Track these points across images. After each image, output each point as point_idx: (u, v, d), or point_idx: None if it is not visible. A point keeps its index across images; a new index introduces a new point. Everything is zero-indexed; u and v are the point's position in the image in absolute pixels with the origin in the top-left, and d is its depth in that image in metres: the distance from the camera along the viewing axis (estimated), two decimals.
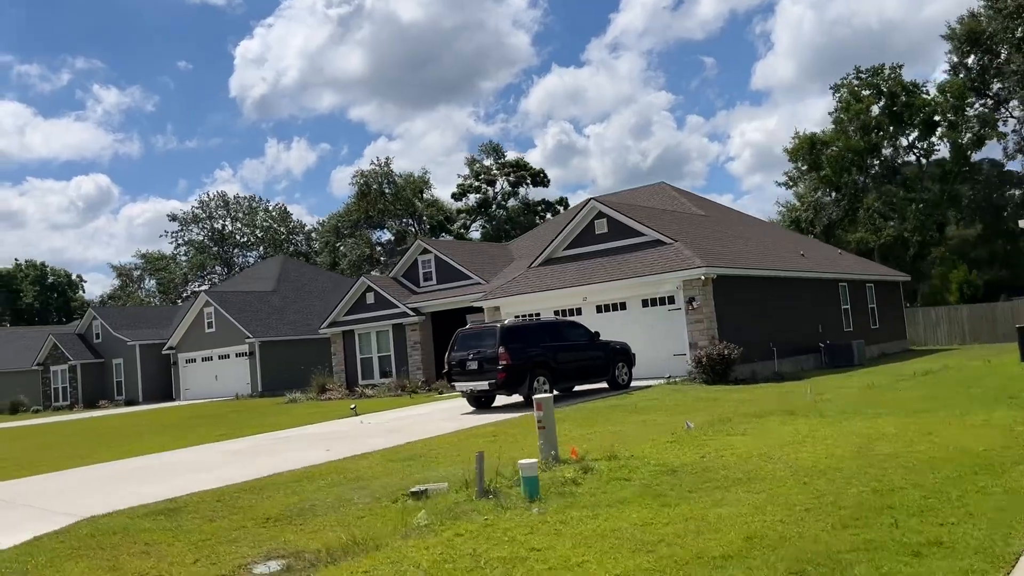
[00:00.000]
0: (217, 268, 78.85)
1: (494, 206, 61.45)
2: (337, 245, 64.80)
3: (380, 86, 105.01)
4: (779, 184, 53.10)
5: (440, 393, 23.52)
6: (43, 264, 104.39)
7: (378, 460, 10.88)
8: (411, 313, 27.54)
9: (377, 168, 61.07)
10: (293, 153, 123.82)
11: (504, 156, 63.60)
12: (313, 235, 77.90)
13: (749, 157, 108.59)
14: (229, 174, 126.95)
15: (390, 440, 12.93)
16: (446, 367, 16.30)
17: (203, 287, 79.78)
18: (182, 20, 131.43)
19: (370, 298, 29.09)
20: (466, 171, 63.10)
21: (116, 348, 41.55)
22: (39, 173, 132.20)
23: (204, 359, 38.93)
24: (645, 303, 20.35)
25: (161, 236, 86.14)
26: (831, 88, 48.14)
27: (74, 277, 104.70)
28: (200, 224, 79.30)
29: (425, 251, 29.36)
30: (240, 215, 78.95)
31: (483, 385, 15.43)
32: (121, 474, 12.07)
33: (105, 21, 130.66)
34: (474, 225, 62.02)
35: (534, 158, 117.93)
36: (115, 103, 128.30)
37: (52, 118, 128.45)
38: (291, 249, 75.64)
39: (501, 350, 15.22)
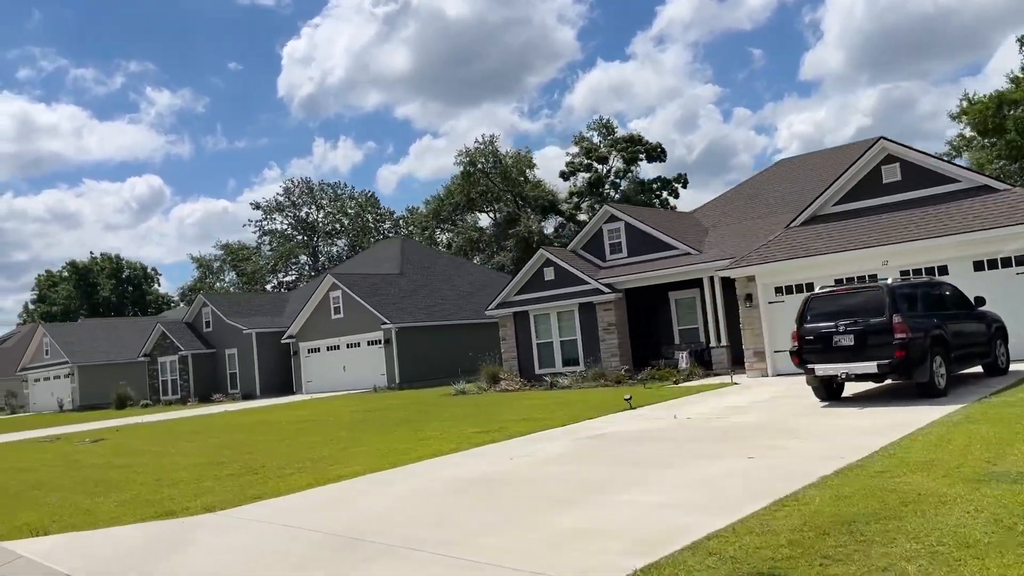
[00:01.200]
0: (302, 258, 76.27)
1: (607, 185, 57.22)
2: (437, 231, 61.36)
3: (424, 84, 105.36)
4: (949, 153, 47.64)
5: (666, 383, 19.50)
6: (118, 257, 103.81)
7: (941, 478, 6.84)
8: (604, 290, 23.56)
9: (481, 146, 57.35)
10: (340, 152, 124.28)
11: (614, 132, 59.36)
12: (401, 222, 74.75)
13: (797, 149, 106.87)
14: (277, 173, 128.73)
15: (813, 447, 8.94)
16: (794, 343, 12.21)
17: (287, 277, 77.53)
18: (232, 21, 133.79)
19: (548, 274, 25.21)
20: (574, 149, 59.02)
21: (229, 337, 38.60)
22: (95, 175, 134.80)
23: (330, 348, 35.64)
24: (978, 266, 15.99)
25: (245, 225, 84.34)
26: (1018, 40, 42.66)
27: (149, 270, 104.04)
28: (284, 212, 76.78)
29: (612, 218, 25.32)
30: (325, 202, 76.22)
31: (866, 367, 11.30)
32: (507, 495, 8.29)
33: (158, 24, 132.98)
34: (583, 206, 57.82)
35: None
36: (167, 105, 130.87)
37: (107, 120, 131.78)
38: (380, 237, 72.59)
39: (896, 319, 11.09)
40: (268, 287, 76.23)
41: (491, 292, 40.19)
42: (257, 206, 75.85)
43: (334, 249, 76.39)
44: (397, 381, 32.36)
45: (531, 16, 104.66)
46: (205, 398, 37.72)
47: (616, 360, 23.32)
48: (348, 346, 34.85)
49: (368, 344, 34.01)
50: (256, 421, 20.45)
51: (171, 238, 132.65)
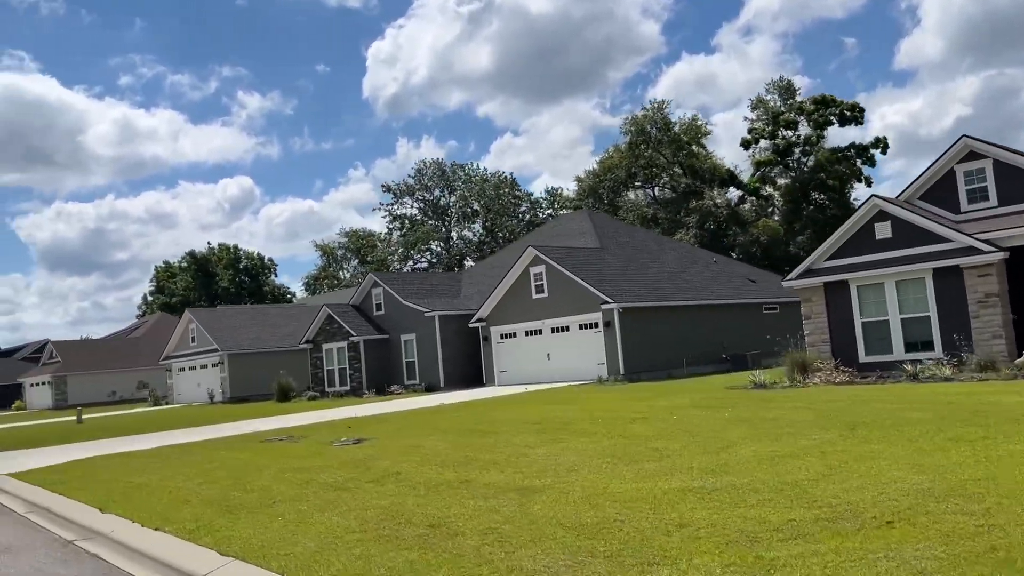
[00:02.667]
0: (432, 245, 72.40)
1: (797, 153, 50.68)
2: (596, 208, 56.03)
3: (506, 81, 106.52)
4: None
5: None
6: (236, 247, 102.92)
7: None
8: (983, 247, 17.62)
9: (650, 113, 51.75)
10: (422, 151, 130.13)
11: (796, 93, 52.68)
12: (542, 203, 69.87)
13: (891, 141, 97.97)
14: (362, 173, 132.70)
15: None
16: None
17: (419, 265, 73.83)
18: (321, 23, 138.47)
19: (882, 231, 19.40)
20: (752, 115, 52.74)
21: (405, 321, 34.28)
22: (189, 176, 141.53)
23: (530, 333, 30.76)
24: None
25: (375, 210, 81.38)
26: None
27: (266, 260, 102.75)
28: (414, 196, 73.11)
29: (972, 156, 19.32)
30: (458, 184, 72.12)
31: None
32: None
33: (250, 30, 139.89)
34: (771, 176, 51.40)
35: None
36: (257, 108, 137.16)
37: (201, 124, 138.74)
38: (518, 221, 68.01)
39: None
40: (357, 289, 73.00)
41: (698, 271, 34.62)
42: (388, 189, 72.50)
43: (467, 234, 72.33)
44: (622, 372, 27.18)
45: (614, 11, 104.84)
46: (380, 390, 33.47)
47: (1001, 344, 17.37)
48: (554, 330, 29.87)
49: (581, 328, 28.94)
50: (545, 418, 15.44)
51: (259, 237, 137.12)
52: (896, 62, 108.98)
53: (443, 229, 70.84)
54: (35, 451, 19.85)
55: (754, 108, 52.20)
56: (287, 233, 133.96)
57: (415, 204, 73.17)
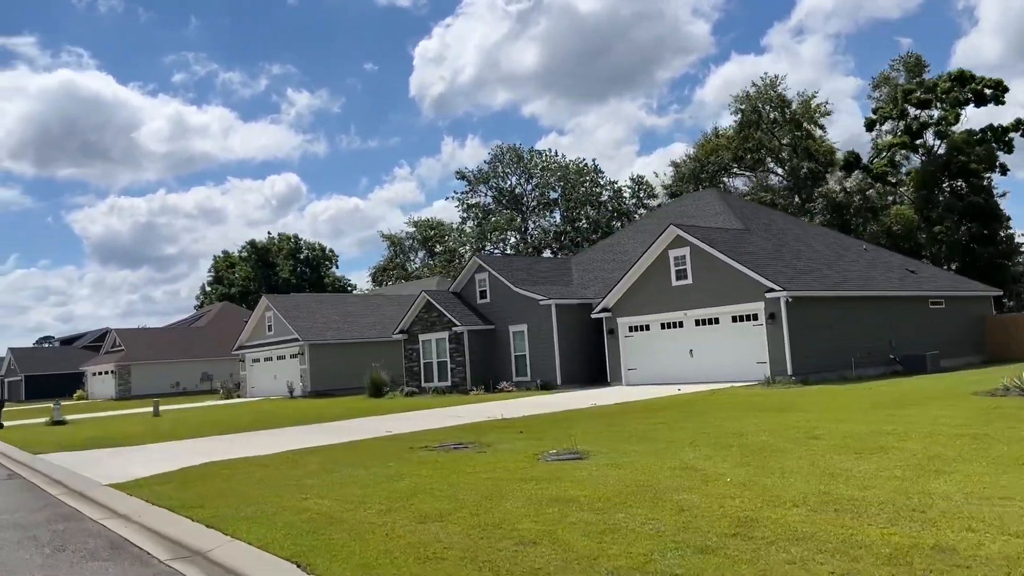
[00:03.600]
0: (509, 236, 68.86)
1: (930, 134, 45.79)
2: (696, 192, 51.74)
3: (553, 80, 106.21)
4: None
5: None
6: (296, 237, 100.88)
7: None
8: None
9: (761, 90, 47.35)
10: (467, 151, 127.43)
11: (925, 69, 47.74)
12: (626, 192, 65.75)
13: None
14: (407, 172, 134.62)
15: None
16: None
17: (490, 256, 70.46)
18: (371, 21, 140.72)
19: None
20: (875, 94, 47.96)
21: (515, 311, 30.69)
22: (238, 173, 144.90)
23: (667, 325, 26.89)
24: None
25: (448, 198, 78.34)
26: None
27: (327, 251, 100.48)
28: (488, 184, 69.63)
29: None
30: (535, 172, 68.43)
31: None
32: None
33: (301, 28, 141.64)
34: (898, 159, 46.62)
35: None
36: (306, 105, 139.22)
37: (250, 121, 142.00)
38: (605, 209, 64.08)
39: None
40: (438, 279, 69.48)
41: (852, 259, 30.41)
42: (462, 176, 69.03)
43: (544, 223, 68.53)
44: (789, 371, 23.14)
45: (663, 10, 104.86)
46: (488, 386, 29.89)
47: None
48: (699, 323, 25.95)
49: (735, 320, 24.97)
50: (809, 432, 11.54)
51: (306, 234, 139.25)
52: (952, 63, 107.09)
53: (519, 218, 67.13)
54: (125, 451, 16.68)
55: (876, 87, 47.52)
56: (332, 230, 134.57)
57: (489, 192, 69.72)
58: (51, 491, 11.84)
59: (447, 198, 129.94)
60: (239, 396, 43.93)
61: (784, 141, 47.04)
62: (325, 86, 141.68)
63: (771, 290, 23.50)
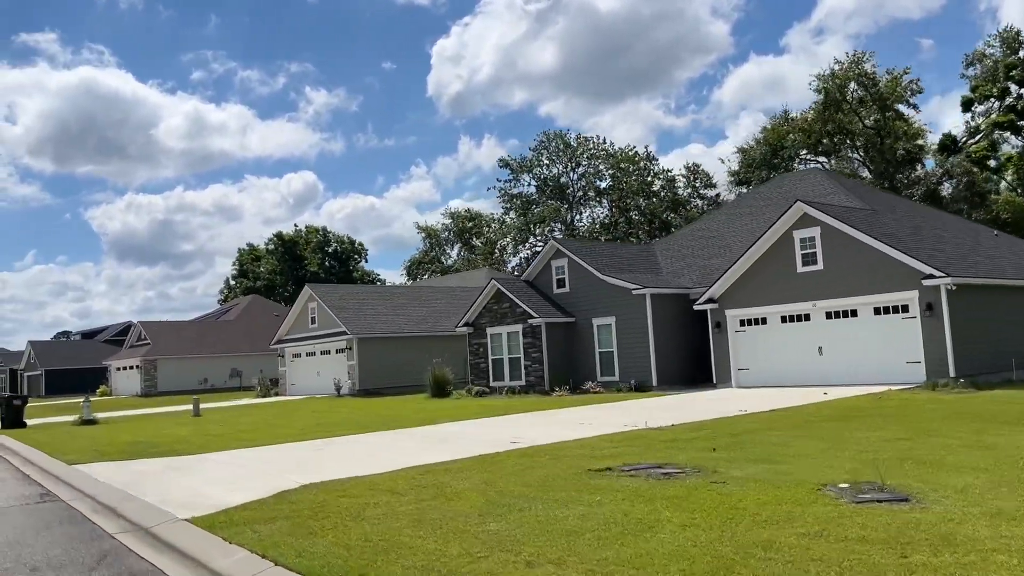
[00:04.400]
0: (554, 227, 65.32)
1: None
2: (763, 179, 48.08)
3: (570, 80, 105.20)
4: None
5: None
6: (324, 229, 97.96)
7: None
8: None
9: (848, 67, 43.53)
10: (483, 150, 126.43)
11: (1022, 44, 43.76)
12: (678, 179, 62.03)
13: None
14: (423, 171, 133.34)
15: None
16: None
17: (532, 250, 66.87)
18: (389, 21, 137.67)
19: None
20: (968, 72, 44.07)
21: (599, 301, 27.27)
22: (255, 171, 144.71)
23: (790, 319, 23.34)
24: None
25: (489, 189, 74.97)
26: None
27: (356, 245, 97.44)
28: (532, 173, 66.20)
29: None
30: (581, 159, 64.90)
31: None
32: None
33: (320, 26, 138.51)
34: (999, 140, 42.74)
35: (725, 150, 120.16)
36: (324, 104, 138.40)
37: (268, 119, 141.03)
38: (661, 199, 60.43)
39: None
40: (510, 265, 66.04)
41: (990, 245, 26.76)
42: (505, 164, 65.61)
43: (593, 214, 64.99)
44: (952, 373, 19.56)
45: (684, 10, 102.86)
46: (572, 387, 26.44)
47: None
48: (831, 315, 22.38)
49: (877, 312, 21.39)
50: None
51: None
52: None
53: (565, 208, 63.51)
54: (183, 462, 13.44)
55: (970, 64, 43.68)
56: (348, 228, 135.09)
57: (532, 182, 66.29)
58: (106, 526, 8.55)
59: (488, 189, 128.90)
60: (276, 394, 40.76)
61: (868, 122, 43.28)
62: (343, 85, 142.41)
63: (929, 276, 19.93)
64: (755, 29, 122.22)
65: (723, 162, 57.38)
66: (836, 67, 43.59)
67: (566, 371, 27.54)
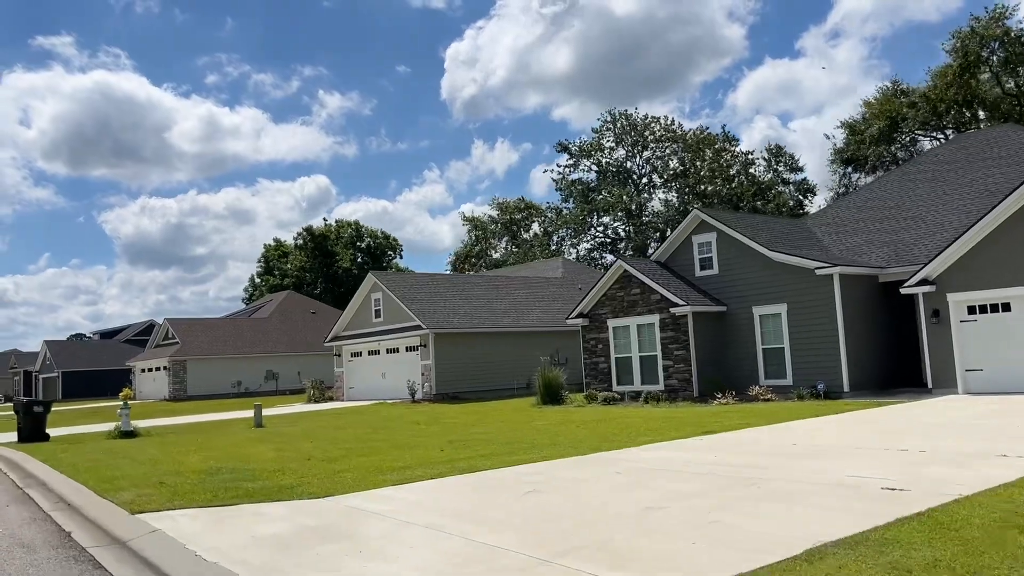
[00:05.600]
0: (608, 217, 59.85)
1: None
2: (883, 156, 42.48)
3: (584, 83, 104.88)
4: None
5: None
6: (357, 223, 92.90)
7: None
8: None
9: (987, 23, 37.99)
10: (496, 154, 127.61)
11: None
12: (758, 161, 56.46)
13: None
14: (436, 175, 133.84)
15: None
16: None
17: (584, 244, 61.60)
18: (403, 24, 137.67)
19: None
20: None
21: (764, 286, 21.93)
22: (268, 174, 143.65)
23: None
24: None
25: (545, 171, 69.54)
26: None
27: (391, 239, 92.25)
28: (592, 158, 60.89)
29: None
30: (648, 142, 59.48)
31: None
32: None
33: (334, 30, 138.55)
34: None
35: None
36: (337, 107, 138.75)
37: (282, 123, 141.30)
38: (739, 183, 54.94)
39: None
40: (562, 260, 60.68)
41: None
42: (564, 147, 60.27)
43: (657, 201, 59.56)
44: None
45: (700, 13, 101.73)
46: (725, 392, 21.07)
47: None
48: None
49: None
50: None
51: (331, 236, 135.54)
52: None
53: (632, 193, 58.01)
54: (317, 512, 8.26)
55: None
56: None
57: (593, 168, 60.99)
58: None
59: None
60: (330, 398, 35.58)
61: (1010, 86, 37.79)
62: (356, 88, 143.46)
63: None
64: (770, 32, 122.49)
65: (828, 138, 51.70)
66: (973, 21, 38.04)
67: (714, 372, 22.22)
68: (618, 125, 58.45)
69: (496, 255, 70.32)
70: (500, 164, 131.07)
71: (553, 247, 60.66)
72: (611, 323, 24.43)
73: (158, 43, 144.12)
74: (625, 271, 23.91)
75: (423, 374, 30.89)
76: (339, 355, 36.08)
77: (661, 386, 22.81)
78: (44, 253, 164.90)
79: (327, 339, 36.91)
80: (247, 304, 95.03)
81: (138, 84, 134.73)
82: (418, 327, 30.73)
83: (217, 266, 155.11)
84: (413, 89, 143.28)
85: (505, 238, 70.75)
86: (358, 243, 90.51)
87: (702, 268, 23.58)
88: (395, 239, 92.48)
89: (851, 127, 46.21)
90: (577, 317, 25.33)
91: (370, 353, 34.43)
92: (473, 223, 70.65)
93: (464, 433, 16.57)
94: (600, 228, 60.45)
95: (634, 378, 23.77)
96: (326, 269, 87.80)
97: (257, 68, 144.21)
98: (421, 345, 30.98)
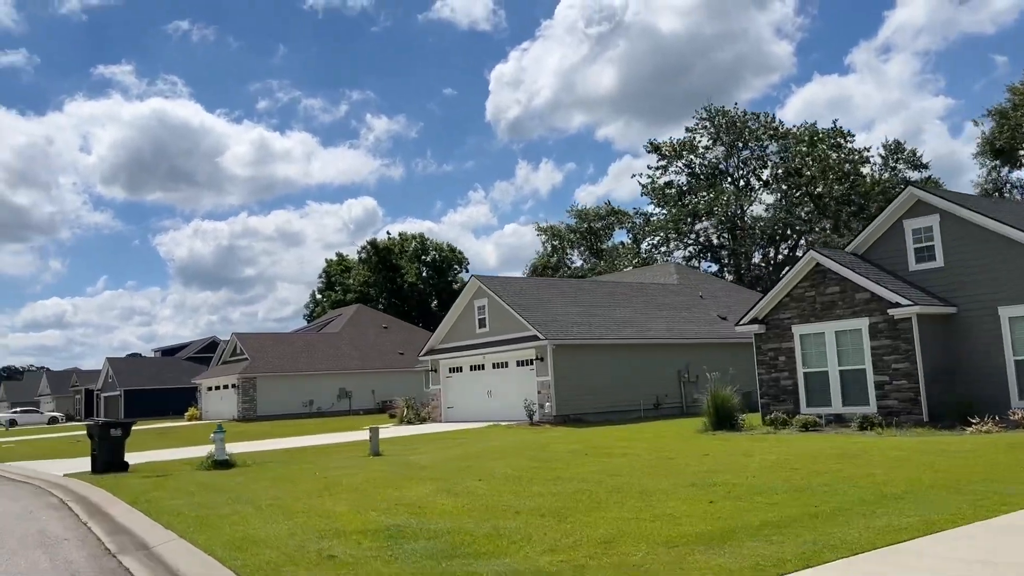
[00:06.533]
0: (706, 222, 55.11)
1: None
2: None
3: (629, 102, 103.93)
4: None
5: None
6: (422, 236, 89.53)
7: None
8: None
9: None
10: (540, 174, 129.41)
11: None
12: (874, 158, 51.29)
13: None
14: (481, 196, 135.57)
15: None
16: None
17: (679, 251, 56.89)
18: (450, 47, 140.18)
19: None
20: None
21: (1008, 280, 17.31)
22: (317, 197, 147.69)
23: None
24: None
25: (633, 176, 65.23)
26: None
27: (458, 253, 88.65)
28: (683, 159, 56.43)
29: None
30: (750, 141, 54.78)
31: None
32: None
33: (382, 54, 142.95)
34: None
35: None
36: (384, 130, 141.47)
37: (330, 146, 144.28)
38: (855, 183, 49.86)
39: None
40: (675, 265, 56.16)
41: None
42: (655, 147, 55.92)
43: (760, 205, 54.74)
44: None
45: (747, 29, 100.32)
46: (963, 416, 16.37)
47: None
48: None
49: None
50: None
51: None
52: None
53: (732, 196, 53.17)
54: None
55: None
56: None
57: (684, 170, 56.51)
58: None
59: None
60: (424, 419, 31.57)
61: None
62: (403, 111, 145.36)
63: None
64: (820, 48, 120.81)
65: (976, 124, 46.49)
66: None
67: (946, 390, 17.58)
68: (716, 122, 53.88)
69: (576, 264, 66.14)
70: (544, 184, 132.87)
71: (643, 255, 56.17)
72: (797, 330, 19.94)
73: (212, 70, 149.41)
74: (818, 265, 19.47)
75: (540, 392, 26.70)
76: (435, 370, 32.09)
77: (872, 407, 18.22)
78: (102, 275, 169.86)
79: (422, 352, 32.98)
80: (308, 320, 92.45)
81: (193, 111, 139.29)
82: (533, 338, 26.60)
83: (266, 287, 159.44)
84: (459, 111, 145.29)
85: (580, 248, 66.52)
86: (423, 256, 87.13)
87: (919, 260, 19.01)
88: (461, 252, 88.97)
89: (1001, 113, 41.09)
90: (750, 323, 20.88)
91: (473, 368, 30.38)
92: (550, 232, 66.48)
93: (688, 472, 12.30)
94: (692, 236, 55.85)
95: (831, 398, 19.21)
96: (389, 284, 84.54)
97: (307, 93, 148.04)
98: (537, 359, 26.82)
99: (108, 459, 17.34)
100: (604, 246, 64.75)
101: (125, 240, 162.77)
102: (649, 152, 55.92)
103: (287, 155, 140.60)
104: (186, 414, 54.21)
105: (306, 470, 15.56)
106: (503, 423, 26.60)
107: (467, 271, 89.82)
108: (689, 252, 54.09)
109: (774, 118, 54.70)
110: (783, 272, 22.99)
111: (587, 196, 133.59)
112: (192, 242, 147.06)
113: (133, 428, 18.48)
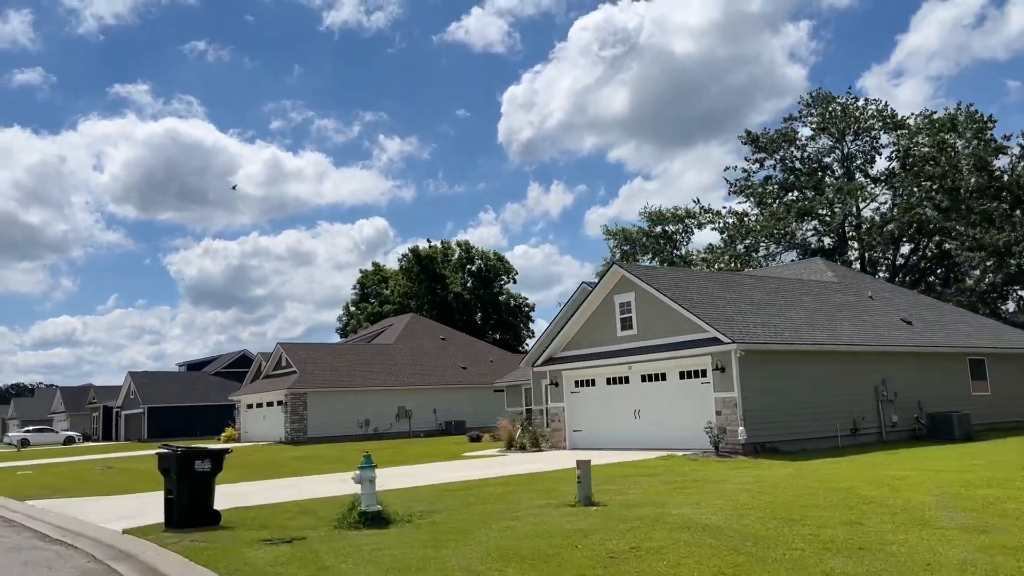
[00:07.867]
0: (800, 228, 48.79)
1: None
2: None
3: (641, 125, 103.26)
4: None
5: None
6: (467, 244, 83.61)
7: None
8: None
9: None
10: (551, 196, 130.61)
11: None
12: (1012, 147, 45.15)
13: None
14: (492, 217, 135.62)
15: None
16: None
17: (784, 255, 50.69)
18: (464, 69, 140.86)
19: None
20: None
21: None
22: (329, 217, 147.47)
23: None
24: None
25: (725, 170, 58.87)
26: None
27: (504, 261, 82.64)
28: (779, 154, 50.40)
29: None
30: (859, 131, 48.69)
31: None
32: None
33: (397, 75, 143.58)
34: None
35: None
36: (397, 151, 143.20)
37: (343, 167, 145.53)
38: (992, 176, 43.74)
39: None
40: (825, 262, 50.06)
41: None
42: (752, 139, 49.91)
43: (870, 206, 48.49)
44: None
45: (760, 53, 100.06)
46: None
47: None
48: None
49: None
50: None
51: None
52: None
53: (847, 192, 46.90)
54: None
55: None
56: None
57: (777, 164, 50.47)
58: None
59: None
60: (537, 444, 25.36)
61: None
62: (416, 132, 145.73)
63: None
64: (832, 71, 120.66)
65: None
66: None
67: None
68: (825, 109, 47.82)
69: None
70: (555, 206, 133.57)
71: (738, 258, 50.01)
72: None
73: (227, 90, 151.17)
74: None
75: (719, 412, 20.52)
76: (556, 384, 25.89)
77: None
78: (112, 294, 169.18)
79: (537, 362, 26.76)
80: (341, 335, 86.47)
81: (206, 130, 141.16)
82: (711, 341, 20.47)
83: (275, 307, 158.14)
84: (471, 133, 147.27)
85: (649, 254, 60.48)
86: (468, 266, 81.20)
87: None
88: (508, 262, 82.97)
89: None
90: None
91: (611, 382, 24.19)
92: (620, 236, 60.43)
93: None
94: (791, 237, 49.68)
95: None
96: (431, 296, 78.45)
97: (321, 114, 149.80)
98: (715, 368, 20.67)
99: (191, 504, 11.40)
100: (680, 252, 58.71)
101: (136, 259, 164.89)
102: (745, 143, 49.94)
103: (299, 175, 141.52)
104: (222, 435, 48.12)
105: (492, 539, 9.45)
106: (680, 453, 20.39)
107: (515, 282, 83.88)
108: (799, 254, 47.84)
109: (886, 105, 48.60)
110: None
111: (598, 218, 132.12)
112: (202, 261, 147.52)
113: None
